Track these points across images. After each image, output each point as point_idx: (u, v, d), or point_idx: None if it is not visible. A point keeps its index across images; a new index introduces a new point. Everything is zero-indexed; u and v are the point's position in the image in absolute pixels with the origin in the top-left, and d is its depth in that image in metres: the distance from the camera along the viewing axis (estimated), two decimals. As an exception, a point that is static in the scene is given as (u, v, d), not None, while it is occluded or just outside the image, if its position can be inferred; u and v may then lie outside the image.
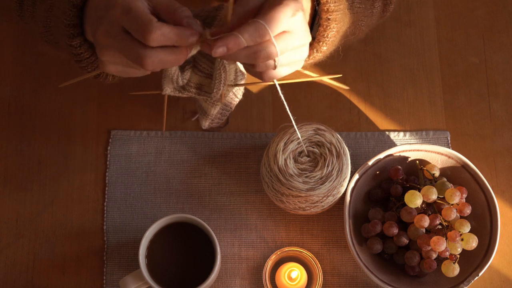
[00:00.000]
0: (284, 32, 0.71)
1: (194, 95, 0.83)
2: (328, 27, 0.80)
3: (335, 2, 0.78)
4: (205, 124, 0.92)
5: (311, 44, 0.82)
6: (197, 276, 0.87)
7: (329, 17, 0.79)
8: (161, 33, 0.66)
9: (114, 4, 0.68)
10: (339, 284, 0.95)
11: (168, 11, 0.69)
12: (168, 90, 0.81)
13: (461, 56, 1.05)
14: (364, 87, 1.03)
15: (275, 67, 0.72)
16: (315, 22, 0.81)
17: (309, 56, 0.82)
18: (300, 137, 0.88)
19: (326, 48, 0.82)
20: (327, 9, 0.78)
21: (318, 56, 0.83)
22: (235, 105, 0.91)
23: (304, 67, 0.84)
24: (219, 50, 0.68)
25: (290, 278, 0.91)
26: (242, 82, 0.86)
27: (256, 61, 0.71)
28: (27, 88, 1.03)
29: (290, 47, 0.72)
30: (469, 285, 0.89)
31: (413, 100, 1.03)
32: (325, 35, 0.80)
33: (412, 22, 1.06)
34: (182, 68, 0.82)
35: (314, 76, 0.84)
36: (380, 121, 1.02)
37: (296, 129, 0.87)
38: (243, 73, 0.86)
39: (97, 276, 0.96)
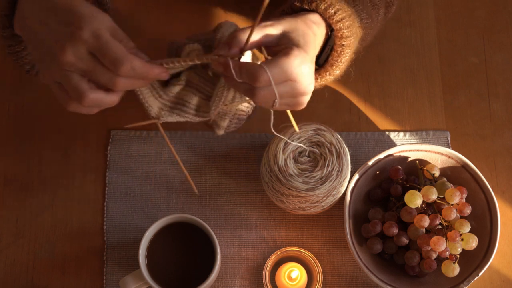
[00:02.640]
0: (288, 80, 0.72)
1: (192, 117, 0.81)
2: (342, 53, 0.80)
3: (348, 28, 0.79)
4: (220, 132, 0.89)
5: (323, 67, 0.82)
6: (197, 276, 0.87)
7: (343, 43, 0.80)
8: (131, 67, 0.68)
9: (79, 25, 0.68)
10: (339, 284, 0.95)
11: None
12: (156, 109, 0.78)
13: (461, 56, 1.05)
14: (364, 87, 1.03)
15: (272, 107, 0.74)
16: (327, 44, 0.81)
17: (321, 78, 0.83)
18: (297, 129, 0.88)
19: (338, 72, 0.83)
20: (341, 35, 0.79)
21: (330, 79, 0.84)
22: (249, 111, 0.89)
23: (315, 88, 0.85)
24: (216, 65, 0.72)
25: (290, 278, 0.91)
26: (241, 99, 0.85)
27: (253, 99, 0.73)
28: (27, 88, 1.03)
29: (290, 94, 0.73)
30: (469, 285, 0.89)
31: (413, 100, 1.03)
32: (339, 60, 0.81)
33: (412, 22, 1.06)
34: (166, 83, 0.80)
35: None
36: (380, 121, 1.02)
37: (295, 127, 0.87)
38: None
39: (97, 276, 0.96)
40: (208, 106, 0.80)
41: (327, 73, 0.82)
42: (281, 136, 0.87)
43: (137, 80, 0.71)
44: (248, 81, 0.71)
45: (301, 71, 0.72)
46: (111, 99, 0.72)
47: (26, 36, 0.73)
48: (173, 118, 0.80)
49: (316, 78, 0.83)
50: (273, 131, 0.81)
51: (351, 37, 0.79)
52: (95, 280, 0.96)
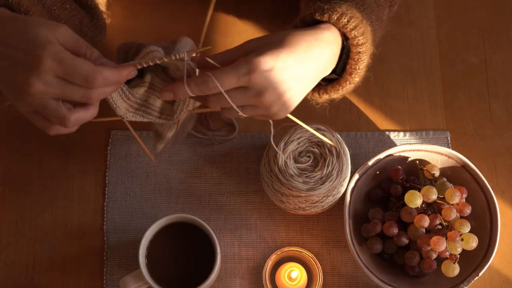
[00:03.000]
0: (241, 87, 0.73)
1: (155, 119, 0.81)
2: (360, 60, 0.80)
3: (362, 35, 0.78)
4: (160, 147, 0.88)
5: (343, 77, 0.82)
6: (197, 276, 0.87)
7: (360, 50, 0.79)
8: (103, 77, 0.69)
9: (38, 53, 0.66)
10: (339, 284, 0.95)
11: (77, 53, 0.70)
12: (123, 110, 0.78)
13: (461, 56, 1.05)
14: (364, 87, 1.03)
15: (238, 116, 0.75)
16: (343, 53, 0.81)
17: (342, 88, 0.83)
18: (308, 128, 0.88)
19: (358, 79, 0.82)
20: (357, 43, 0.79)
21: (351, 87, 0.83)
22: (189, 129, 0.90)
23: (337, 99, 0.85)
24: (165, 94, 0.74)
25: (290, 278, 0.91)
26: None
27: (210, 105, 0.74)
28: (27, 88, 1.03)
29: (244, 101, 0.74)
30: (469, 285, 0.89)
31: (413, 100, 1.03)
32: (357, 67, 0.80)
33: (412, 22, 1.06)
34: (130, 83, 0.80)
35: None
36: (380, 121, 1.02)
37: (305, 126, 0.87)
38: None
39: (97, 276, 0.96)
40: (172, 109, 0.79)
41: (347, 82, 0.82)
42: (276, 149, 0.88)
43: (110, 87, 0.71)
44: (200, 92, 0.72)
45: (253, 77, 0.72)
46: (91, 112, 0.73)
47: None
48: (137, 119, 0.80)
49: (337, 89, 0.83)
50: (272, 143, 0.81)
51: (366, 43, 0.79)
52: (95, 280, 0.96)
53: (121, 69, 0.71)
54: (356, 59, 0.80)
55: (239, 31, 1.05)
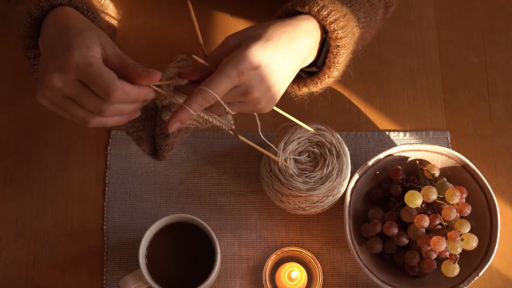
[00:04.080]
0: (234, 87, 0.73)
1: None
2: (338, 54, 0.80)
3: (342, 29, 0.78)
4: (168, 154, 0.87)
5: (322, 70, 0.82)
6: (197, 276, 0.87)
7: (338, 44, 0.79)
8: (123, 92, 0.68)
9: (71, 49, 0.68)
10: (339, 284, 0.95)
11: (120, 66, 0.70)
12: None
13: (461, 56, 1.05)
14: (364, 87, 1.03)
15: (225, 113, 0.75)
16: (324, 46, 0.81)
17: (321, 82, 0.83)
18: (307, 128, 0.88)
19: (337, 73, 0.82)
20: (335, 36, 0.79)
21: (330, 81, 0.83)
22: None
23: (316, 92, 0.85)
24: (174, 126, 0.71)
25: (290, 278, 0.91)
26: None
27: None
28: (27, 88, 1.03)
29: (236, 99, 0.74)
30: (469, 285, 0.89)
31: (413, 100, 1.03)
32: (336, 61, 0.80)
33: (412, 22, 1.06)
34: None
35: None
36: (380, 121, 1.02)
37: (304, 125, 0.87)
38: None
39: (97, 276, 0.96)
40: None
41: (326, 76, 0.82)
42: (270, 147, 0.88)
43: (127, 105, 0.71)
44: (203, 108, 0.72)
45: (243, 78, 0.72)
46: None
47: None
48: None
49: (316, 82, 0.83)
50: (263, 138, 0.81)
51: (346, 38, 0.79)
52: (95, 280, 0.96)
53: (141, 88, 0.70)
54: (335, 53, 0.80)
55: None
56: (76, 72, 0.68)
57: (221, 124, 0.77)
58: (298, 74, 0.84)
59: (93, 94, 0.69)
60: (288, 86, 0.83)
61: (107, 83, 0.67)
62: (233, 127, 0.78)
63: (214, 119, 0.76)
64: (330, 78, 0.82)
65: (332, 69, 0.81)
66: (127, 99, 0.69)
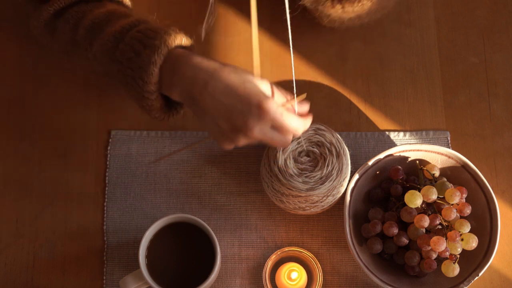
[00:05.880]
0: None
1: None
2: None
3: None
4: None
5: None
6: (197, 276, 0.87)
7: None
8: (302, 129, 0.83)
9: (263, 107, 0.76)
10: (339, 284, 0.95)
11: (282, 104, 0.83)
12: None
13: (461, 56, 1.05)
14: (364, 87, 1.03)
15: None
16: None
17: (359, 1, 0.86)
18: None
19: None
20: None
21: (367, 4, 0.87)
22: None
23: (345, 18, 0.88)
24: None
25: (290, 278, 0.91)
26: None
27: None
28: (27, 88, 1.03)
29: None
30: (469, 285, 0.89)
31: (413, 100, 1.03)
32: None
33: (412, 22, 1.06)
34: None
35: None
36: (380, 121, 1.02)
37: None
38: None
39: (97, 276, 0.96)
40: None
41: None
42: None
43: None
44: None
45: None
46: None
47: (198, 103, 0.79)
48: None
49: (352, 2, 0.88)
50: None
51: None
52: (95, 280, 0.96)
53: (306, 121, 0.84)
54: None
55: (239, 31, 1.05)
56: (271, 122, 0.78)
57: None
58: None
59: (282, 134, 0.80)
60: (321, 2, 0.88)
61: (295, 127, 0.80)
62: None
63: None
64: None
65: None
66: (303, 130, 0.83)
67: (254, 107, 0.76)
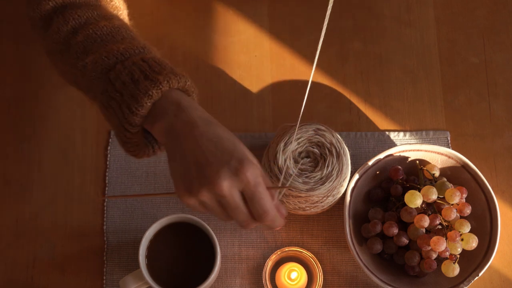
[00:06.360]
0: None
1: None
2: None
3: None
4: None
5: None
6: (197, 276, 0.87)
7: None
8: (271, 219, 0.70)
9: (243, 163, 0.68)
10: (339, 284, 0.95)
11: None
12: None
13: (461, 56, 1.05)
14: (364, 87, 1.03)
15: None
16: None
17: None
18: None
19: None
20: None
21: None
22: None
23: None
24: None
25: (290, 278, 0.91)
26: None
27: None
28: (27, 88, 1.03)
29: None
30: (469, 285, 0.89)
31: (413, 100, 1.03)
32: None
33: (412, 22, 1.06)
34: None
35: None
36: (380, 121, 1.02)
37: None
38: None
39: (97, 276, 0.96)
40: None
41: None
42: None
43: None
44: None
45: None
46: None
47: (180, 143, 0.72)
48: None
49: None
50: None
51: None
52: (95, 280, 0.96)
53: (282, 216, 0.73)
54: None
55: (239, 31, 1.05)
56: (244, 186, 0.69)
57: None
58: None
59: (248, 210, 0.70)
60: None
61: (266, 208, 0.70)
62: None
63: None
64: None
65: None
66: (272, 225, 0.72)
67: (235, 160, 0.69)
